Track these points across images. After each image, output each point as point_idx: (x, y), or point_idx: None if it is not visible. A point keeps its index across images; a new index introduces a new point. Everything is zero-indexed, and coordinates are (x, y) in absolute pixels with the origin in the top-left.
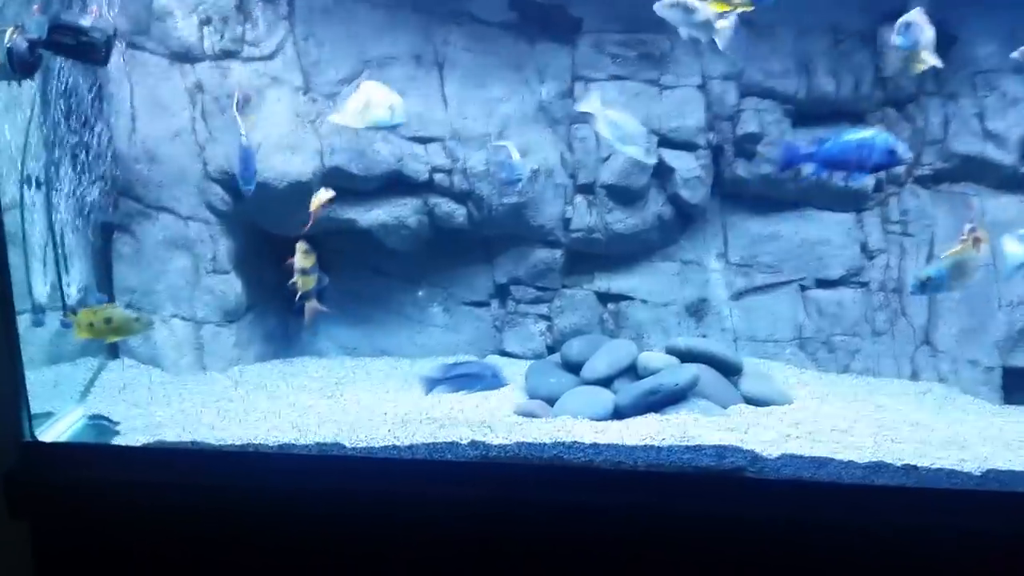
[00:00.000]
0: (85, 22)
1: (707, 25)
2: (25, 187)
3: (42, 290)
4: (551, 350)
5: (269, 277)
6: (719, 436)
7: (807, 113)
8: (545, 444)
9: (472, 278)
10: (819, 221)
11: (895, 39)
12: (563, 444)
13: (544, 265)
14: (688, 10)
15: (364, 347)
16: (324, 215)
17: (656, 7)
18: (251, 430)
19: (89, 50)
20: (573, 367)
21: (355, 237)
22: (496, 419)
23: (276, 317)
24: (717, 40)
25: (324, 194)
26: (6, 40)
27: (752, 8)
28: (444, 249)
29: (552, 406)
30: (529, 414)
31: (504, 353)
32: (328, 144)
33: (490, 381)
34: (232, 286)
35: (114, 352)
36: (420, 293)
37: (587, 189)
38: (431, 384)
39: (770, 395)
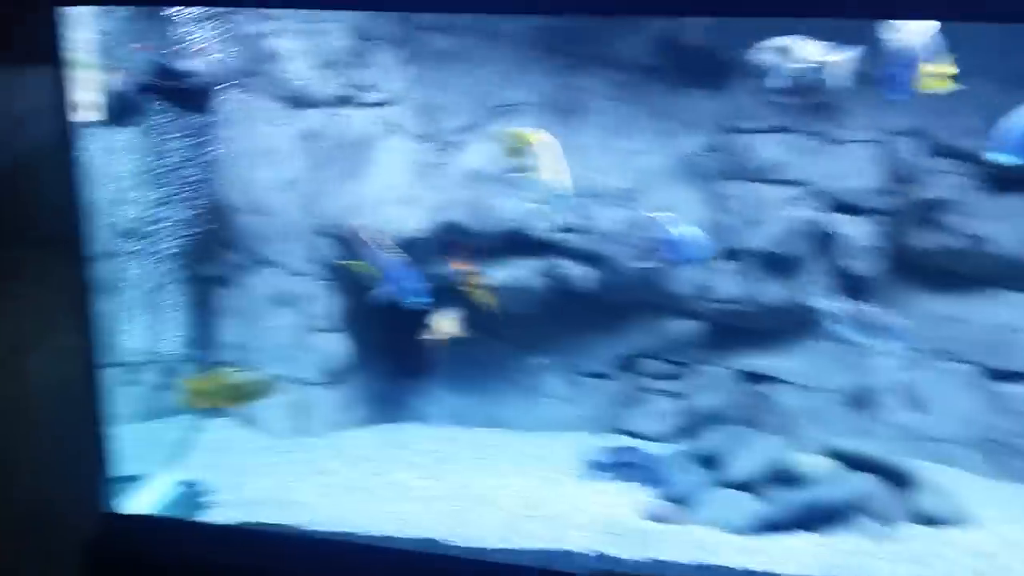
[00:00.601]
0: (185, 66)
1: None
2: (124, 237)
3: (137, 346)
4: (680, 432)
5: (376, 336)
6: (891, 569)
7: (1004, 177)
8: (684, 565)
9: (595, 347)
10: (1014, 305)
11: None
12: (705, 567)
13: (679, 337)
14: (790, 53)
15: (473, 416)
16: (435, 276)
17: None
18: (350, 513)
19: (187, 96)
20: (712, 463)
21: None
22: (621, 523)
23: (383, 379)
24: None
25: (447, 324)
26: (109, 83)
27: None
28: (566, 314)
29: (686, 509)
30: (661, 519)
31: (626, 432)
32: (447, 198)
33: (662, 478)
34: (339, 346)
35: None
36: (537, 361)
37: (736, 255)
38: (597, 468)
39: (950, 515)
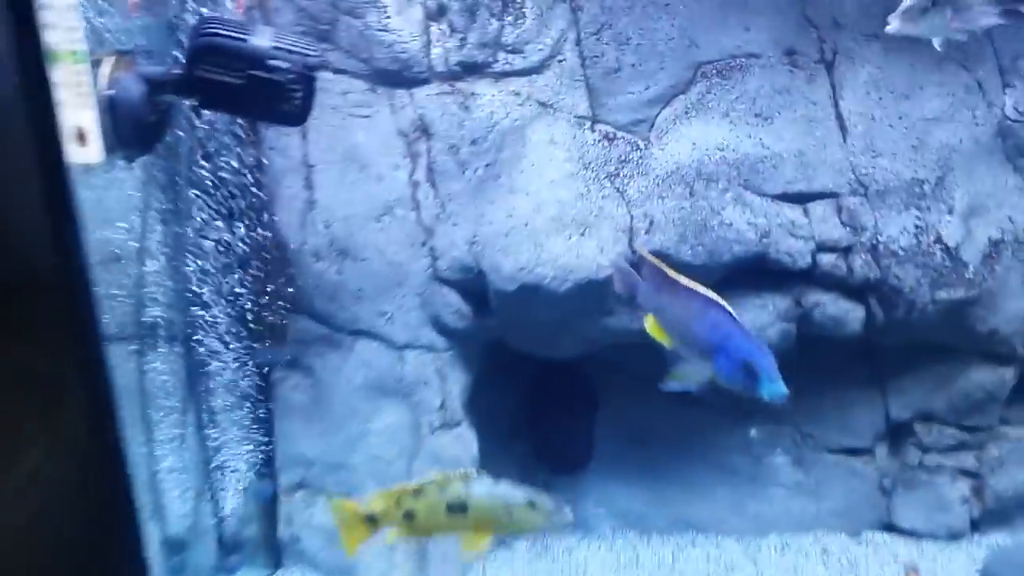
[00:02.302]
0: (261, 41)
1: None
2: (143, 317)
3: (181, 511)
4: (974, 526)
5: (503, 415)
6: None
7: None
8: None
9: (846, 410)
10: None
11: None
12: None
13: (982, 392)
14: None
15: (655, 517)
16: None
17: None
18: None
19: (272, 94)
20: None
21: (647, 348)
22: None
23: (514, 472)
24: None
25: None
26: (103, 82)
27: None
28: (809, 367)
29: None
30: None
31: (892, 528)
32: (643, 213)
33: None
34: (467, 446)
35: (275, 557)
36: (753, 432)
37: None
38: None
39: None
